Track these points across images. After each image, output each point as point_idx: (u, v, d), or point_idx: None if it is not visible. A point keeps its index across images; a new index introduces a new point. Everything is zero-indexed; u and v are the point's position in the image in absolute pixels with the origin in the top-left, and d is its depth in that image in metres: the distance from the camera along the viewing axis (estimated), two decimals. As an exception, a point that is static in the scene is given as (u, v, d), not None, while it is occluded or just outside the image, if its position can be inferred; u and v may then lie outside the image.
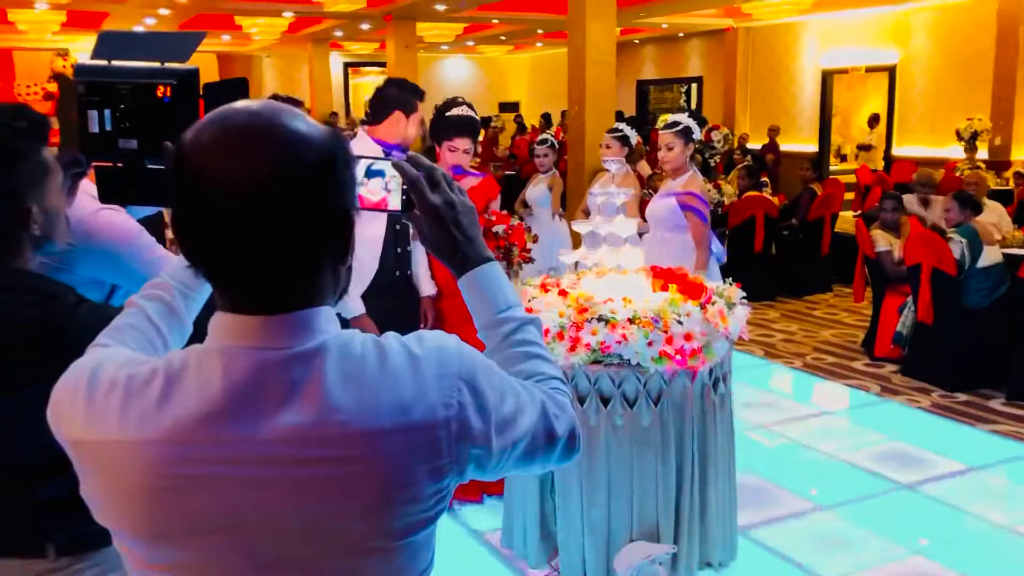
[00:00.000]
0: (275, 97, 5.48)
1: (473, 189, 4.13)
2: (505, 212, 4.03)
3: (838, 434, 5.21)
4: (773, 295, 8.32)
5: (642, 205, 7.73)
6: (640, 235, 4.81)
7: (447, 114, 4.03)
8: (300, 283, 1.00)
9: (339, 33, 15.94)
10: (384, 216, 3.65)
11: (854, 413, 5.58)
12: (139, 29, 11.30)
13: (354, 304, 3.47)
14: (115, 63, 1.38)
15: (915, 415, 5.36)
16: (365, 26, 14.76)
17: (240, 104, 1.00)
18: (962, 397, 5.59)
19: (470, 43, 18.45)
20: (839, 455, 4.75)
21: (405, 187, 1.20)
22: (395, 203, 1.20)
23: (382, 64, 14.22)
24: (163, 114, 1.34)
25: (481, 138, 16.50)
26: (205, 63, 19.19)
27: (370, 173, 1.19)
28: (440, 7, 12.48)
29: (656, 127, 14.82)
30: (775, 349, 6.69)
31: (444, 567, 3.71)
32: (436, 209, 1.21)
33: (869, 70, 13.98)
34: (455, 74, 21.93)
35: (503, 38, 17.59)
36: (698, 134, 4.64)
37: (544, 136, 7.60)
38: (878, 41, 13.57)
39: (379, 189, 1.20)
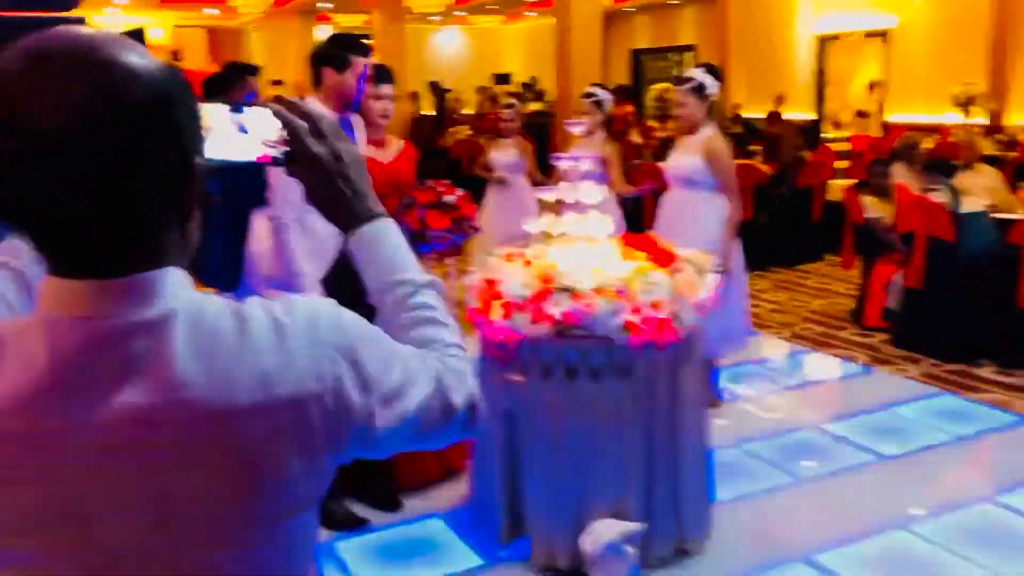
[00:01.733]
0: (231, 64, 5.33)
1: (401, 155, 3.93)
2: (449, 182, 3.85)
3: (825, 405, 5.10)
4: (763, 265, 8.17)
5: (635, 171, 7.61)
6: (657, 195, 4.71)
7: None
8: (136, 242, 0.87)
9: (326, 5, 15.71)
10: None
11: (842, 384, 5.47)
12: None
13: (309, 287, 3.27)
14: (3, 16, 1.27)
15: (904, 384, 5.24)
16: (352, -3, 14.55)
17: (61, 29, 0.86)
18: (952, 367, 5.47)
19: (461, 13, 18.20)
20: (825, 427, 4.63)
21: (287, 137, 1.07)
22: (274, 154, 1.08)
23: (369, 37, 14.01)
24: None
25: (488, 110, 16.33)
26: (193, 37, 19.02)
27: (245, 122, 1.07)
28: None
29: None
30: (763, 319, 6.56)
31: (410, 549, 3.61)
32: (320, 160, 1.09)
33: (865, 35, 13.75)
34: (447, 46, 21.66)
35: (493, 7, 17.34)
36: (713, 89, 4.48)
37: (510, 100, 7.41)
38: (873, 6, 13.34)
39: (256, 140, 1.07)
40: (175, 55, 18.38)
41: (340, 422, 0.92)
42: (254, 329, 0.89)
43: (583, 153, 3.31)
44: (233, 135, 1.06)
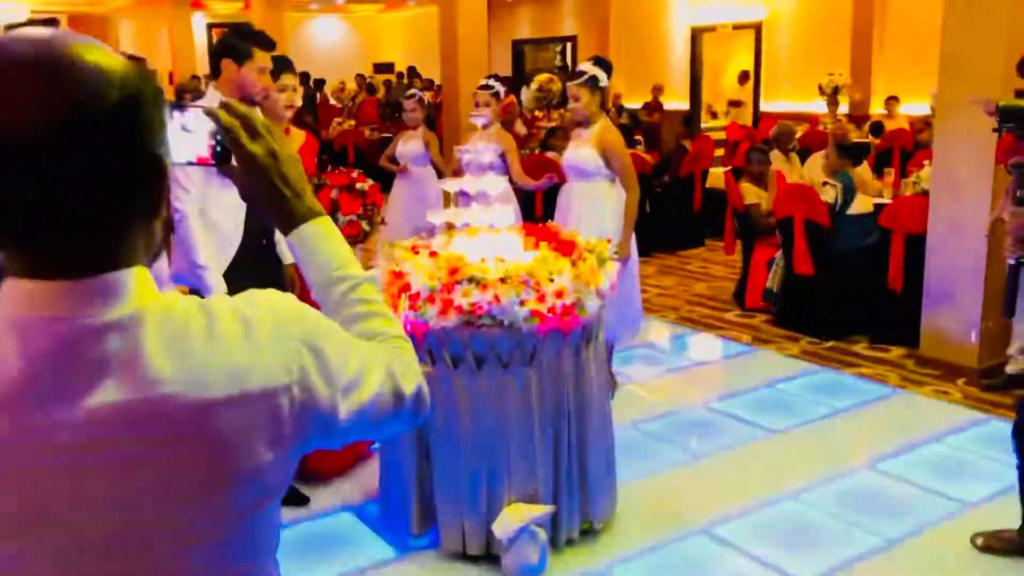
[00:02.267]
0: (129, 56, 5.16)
1: (304, 146, 3.94)
2: (360, 172, 3.88)
3: (712, 384, 5.32)
4: (648, 251, 8.39)
5: (524, 161, 7.70)
6: (557, 186, 4.84)
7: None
8: (106, 241, 0.88)
9: (200, -8, 15.21)
10: None
11: (727, 363, 5.71)
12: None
13: (213, 281, 3.24)
14: None
15: (785, 362, 5.52)
16: (227, -16, 14.13)
17: (25, 32, 0.86)
18: (829, 344, 5.79)
19: (340, 2, 17.93)
20: (713, 405, 4.84)
21: (219, 137, 1.08)
22: (208, 155, 1.09)
23: (248, 24, 13.64)
24: None
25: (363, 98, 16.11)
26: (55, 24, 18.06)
27: (186, 123, 1.07)
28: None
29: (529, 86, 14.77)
30: (649, 303, 6.77)
31: (320, 543, 3.59)
32: (256, 159, 1.10)
33: (736, 27, 14.27)
34: (326, 35, 21.30)
35: (373, -3, 17.16)
36: (605, 82, 4.60)
37: (413, 90, 7.41)
38: (744, -1, 13.86)
39: (196, 141, 1.08)
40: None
41: (307, 412, 0.95)
42: (222, 325, 0.92)
43: (483, 144, 3.36)
44: (176, 135, 1.06)
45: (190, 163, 1.09)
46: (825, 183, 6.01)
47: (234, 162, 1.10)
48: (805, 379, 5.20)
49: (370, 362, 1.05)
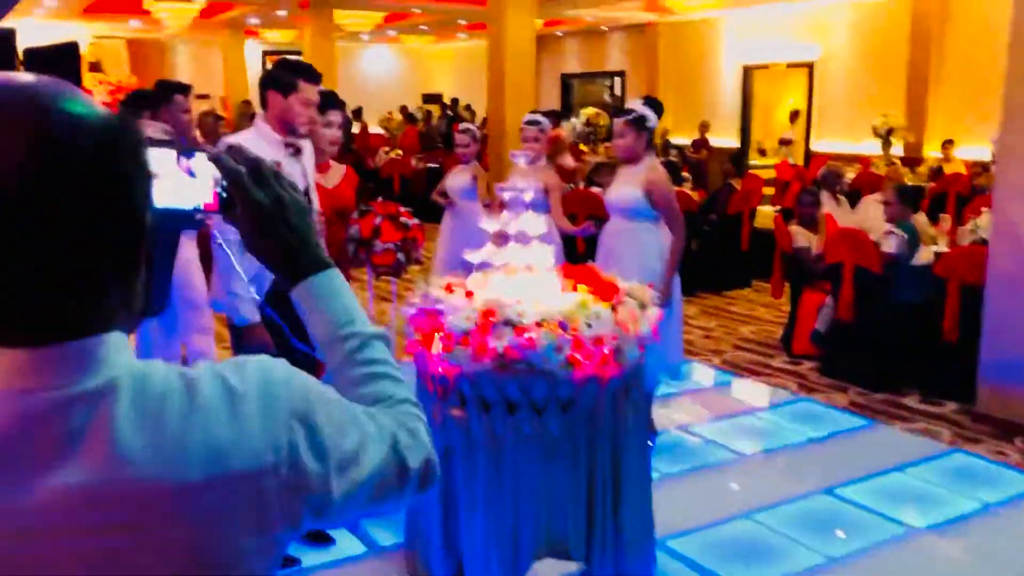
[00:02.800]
0: (161, 82, 5.18)
1: (344, 180, 3.91)
2: (409, 210, 3.85)
3: (755, 433, 5.13)
4: (692, 291, 8.23)
5: (570, 196, 7.60)
6: (599, 226, 4.73)
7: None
8: (78, 305, 0.79)
9: (255, 20, 15.46)
10: None
11: (772, 412, 5.52)
12: None
13: (246, 309, 3.19)
14: None
15: (832, 414, 5.31)
16: (282, 13, 14.34)
17: (4, 77, 0.78)
18: (879, 396, 5.57)
19: (392, 33, 18.12)
20: (756, 455, 4.66)
21: (224, 184, 1.01)
22: (212, 203, 1.02)
23: (299, 53, 13.82)
24: None
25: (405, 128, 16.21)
26: (114, 49, 18.49)
27: (193, 167, 1.01)
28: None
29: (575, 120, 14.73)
30: (693, 346, 6.61)
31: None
32: (261, 207, 1.02)
33: (789, 66, 14.12)
34: (377, 64, 21.53)
35: (425, 28, 17.30)
36: (653, 122, 4.49)
37: (466, 125, 7.36)
38: (798, 37, 13.71)
39: (197, 186, 1.01)
40: (95, 67, 17.87)
41: (296, 493, 0.86)
42: (204, 397, 0.82)
43: (524, 183, 3.26)
44: (180, 181, 1.00)
45: (196, 211, 1.02)
46: (889, 232, 5.79)
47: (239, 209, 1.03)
48: (852, 432, 4.99)
49: (371, 434, 0.95)
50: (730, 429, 5.10)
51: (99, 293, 0.80)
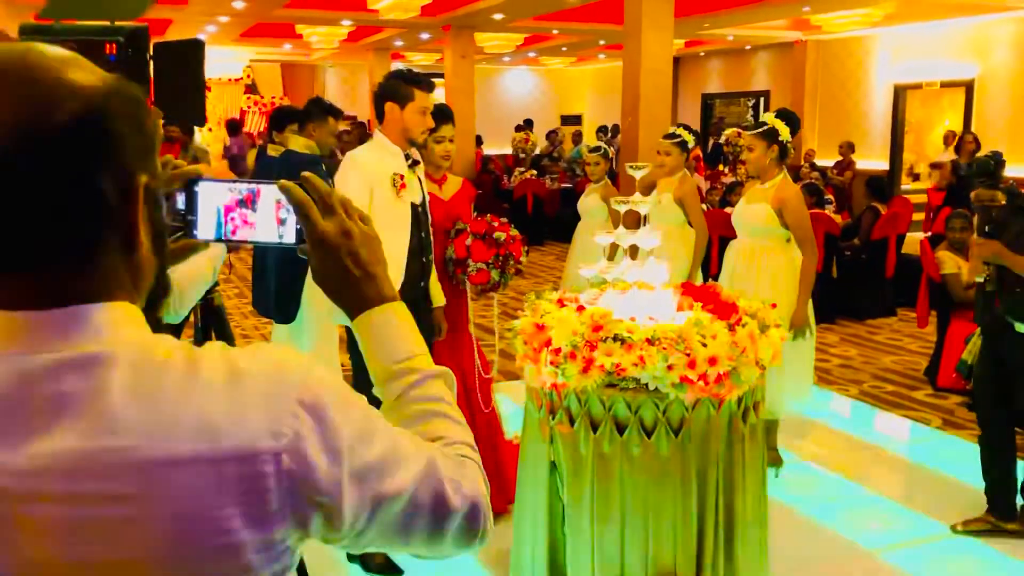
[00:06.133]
0: (316, 100, 5.35)
1: (459, 192, 3.94)
2: (506, 221, 3.82)
3: (893, 470, 4.81)
4: (832, 318, 7.88)
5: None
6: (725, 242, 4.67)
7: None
8: (70, 270, 0.79)
9: (399, 43, 15.91)
10: (408, 220, 3.45)
11: (912, 447, 5.17)
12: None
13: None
14: (63, 23, 1.30)
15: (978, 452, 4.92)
16: (425, 36, 14.70)
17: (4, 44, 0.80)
18: (1033, 435, 5.13)
19: (532, 54, 18.28)
20: (893, 494, 4.36)
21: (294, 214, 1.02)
22: (289, 235, 1.02)
23: (441, 75, 14.12)
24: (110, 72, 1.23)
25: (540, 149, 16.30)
26: (270, 72, 19.44)
27: (255, 199, 1.02)
28: (498, 16, 12.32)
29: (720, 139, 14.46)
30: (830, 375, 6.29)
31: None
32: (327, 238, 1.00)
33: (944, 85, 13.39)
34: (516, 86, 21.77)
35: (564, 49, 17.37)
36: (786, 136, 4.32)
37: (597, 144, 7.31)
38: (954, 54, 12.99)
39: (269, 218, 1.02)
40: (250, 88, 18.83)
41: (301, 488, 0.81)
42: (205, 374, 0.80)
43: (639, 197, 3.17)
44: (263, 214, 1.02)
45: (280, 244, 1.03)
46: None
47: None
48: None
49: (406, 454, 0.89)
50: (864, 463, 4.81)
51: (93, 259, 0.80)
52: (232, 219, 1.01)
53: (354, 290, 1.03)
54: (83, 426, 0.75)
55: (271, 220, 1.01)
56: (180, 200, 1.04)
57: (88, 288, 0.80)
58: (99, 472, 0.75)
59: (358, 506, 0.84)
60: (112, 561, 0.75)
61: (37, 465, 0.74)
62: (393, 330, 1.04)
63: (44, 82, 0.76)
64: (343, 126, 11.66)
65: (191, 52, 1.13)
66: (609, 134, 16.13)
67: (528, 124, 17.17)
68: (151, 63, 1.13)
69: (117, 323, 0.80)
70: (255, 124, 18.47)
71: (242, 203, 1.01)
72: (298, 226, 1.01)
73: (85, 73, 0.78)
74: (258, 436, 0.79)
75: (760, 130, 4.28)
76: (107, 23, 1.22)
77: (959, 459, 4.82)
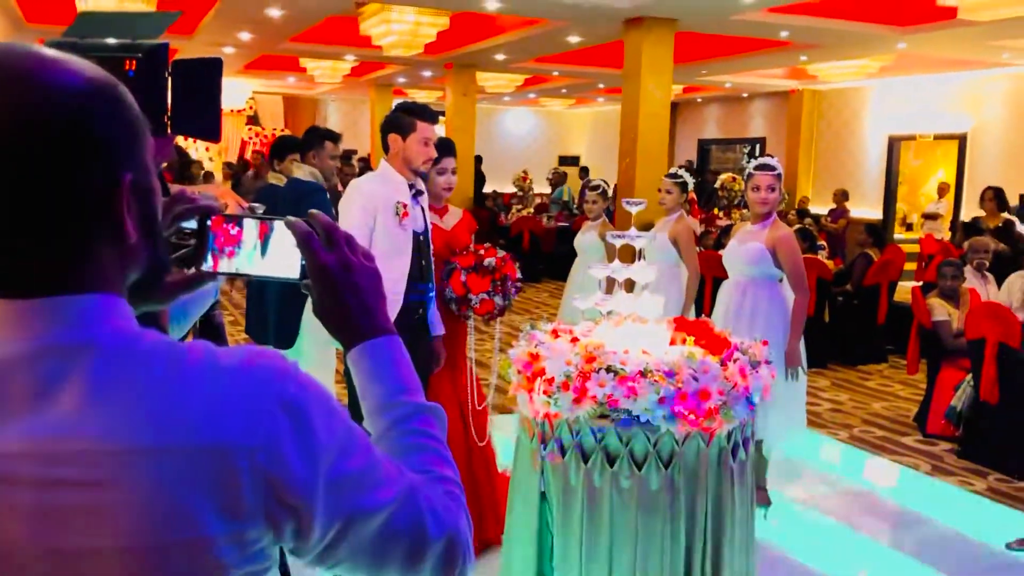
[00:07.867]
0: (313, 129, 5.41)
1: (460, 223, 4.00)
2: (490, 245, 3.89)
3: (882, 514, 4.82)
4: (824, 362, 7.91)
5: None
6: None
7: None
8: (55, 261, 0.81)
9: (402, 79, 16.08)
10: (408, 246, 3.48)
11: (901, 492, 5.18)
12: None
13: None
14: (87, 40, 1.35)
15: (968, 499, 4.94)
16: (427, 73, 14.86)
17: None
18: (1022, 484, 5.15)
19: (532, 95, 18.48)
20: (881, 538, 4.37)
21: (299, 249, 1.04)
22: (294, 270, 1.04)
23: (443, 113, 14.28)
24: (129, 88, 1.28)
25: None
26: (272, 104, 19.59)
27: (267, 234, 1.04)
28: (500, 56, 12.48)
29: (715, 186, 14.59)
30: (820, 418, 6.31)
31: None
32: (327, 270, 1.02)
33: (938, 137, 13.56)
34: (516, 125, 21.97)
35: (564, 91, 17.57)
36: (780, 171, 4.55)
37: (596, 182, 7.39)
38: (948, 107, 13.18)
39: (276, 253, 1.04)
40: (251, 120, 18.95)
41: (275, 488, 0.81)
42: (187, 368, 0.81)
43: (635, 232, 3.22)
44: (274, 251, 1.04)
45: (286, 279, 1.05)
46: None
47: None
48: (991, 522, 4.62)
49: (386, 475, 0.89)
50: (853, 507, 4.81)
51: (78, 251, 0.81)
52: (241, 253, 1.03)
53: (351, 322, 1.04)
54: (60, 412, 0.77)
55: (278, 255, 1.03)
56: (190, 224, 1.07)
57: (75, 279, 0.81)
58: (73, 458, 0.76)
59: (331, 516, 0.84)
60: (84, 549, 0.76)
61: (12, 449, 0.76)
62: (386, 361, 1.04)
63: (26, 82, 0.78)
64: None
65: (209, 70, 1.17)
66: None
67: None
68: (169, 80, 1.17)
69: (102, 314, 0.82)
70: (255, 156, 18.58)
71: (252, 238, 1.03)
72: (302, 261, 1.02)
73: (69, 73, 0.80)
74: (234, 432, 0.79)
75: (777, 172, 4.43)
76: (128, 40, 1.27)
77: (948, 505, 4.84)
